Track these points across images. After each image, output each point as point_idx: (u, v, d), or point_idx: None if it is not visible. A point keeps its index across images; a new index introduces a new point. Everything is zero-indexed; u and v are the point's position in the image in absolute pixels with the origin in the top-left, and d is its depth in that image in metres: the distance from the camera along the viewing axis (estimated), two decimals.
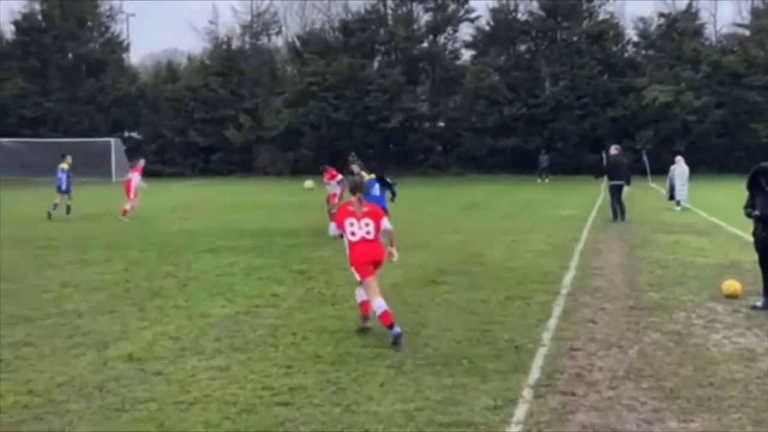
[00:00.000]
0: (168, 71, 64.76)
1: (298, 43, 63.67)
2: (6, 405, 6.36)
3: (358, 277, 8.93)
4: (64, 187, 24.70)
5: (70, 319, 9.55)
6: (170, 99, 61.09)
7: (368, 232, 8.89)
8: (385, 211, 12.87)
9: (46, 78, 63.01)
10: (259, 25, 64.72)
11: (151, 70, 68.80)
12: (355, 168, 16.44)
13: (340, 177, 20.29)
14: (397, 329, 8.36)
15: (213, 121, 59.81)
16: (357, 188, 9.18)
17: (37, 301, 10.63)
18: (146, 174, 26.75)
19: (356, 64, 58.76)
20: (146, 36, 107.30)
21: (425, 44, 62.08)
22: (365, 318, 9.01)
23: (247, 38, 64.86)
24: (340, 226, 8.99)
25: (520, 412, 6.24)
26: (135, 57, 73.13)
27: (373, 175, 16.40)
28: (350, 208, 9.00)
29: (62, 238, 18.02)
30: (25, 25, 63.61)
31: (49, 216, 23.61)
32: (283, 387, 6.80)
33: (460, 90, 59.82)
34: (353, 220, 8.90)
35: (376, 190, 15.80)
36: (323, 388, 6.78)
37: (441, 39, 62.40)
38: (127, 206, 23.36)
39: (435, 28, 61.80)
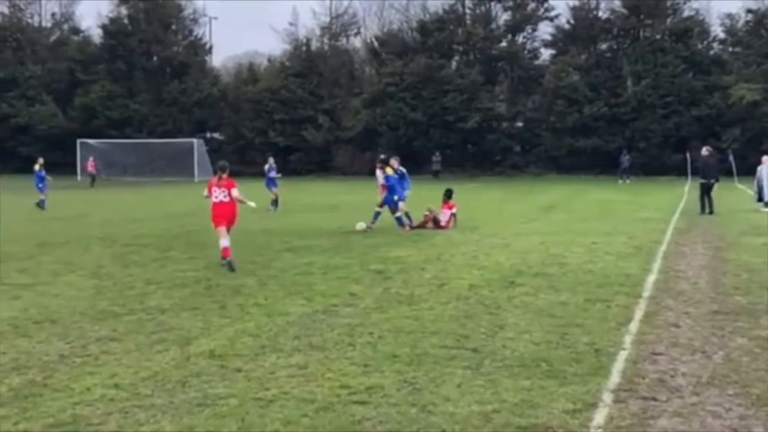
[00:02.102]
0: (249, 73, 65.91)
1: (376, 44, 63.99)
2: (94, 398, 6.55)
3: (213, 225, 13.86)
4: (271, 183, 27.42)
5: (154, 315, 9.78)
6: (251, 100, 62.16)
7: (225, 196, 13.78)
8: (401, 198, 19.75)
9: (131, 80, 64.87)
10: (338, 27, 65.28)
11: (232, 72, 70.13)
12: (395, 163, 20.72)
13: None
14: (230, 259, 13.32)
15: (292, 122, 60.59)
16: (221, 169, 14.05)
17: (122, 298, 10.93)
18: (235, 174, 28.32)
19: (434, 65, 58.72)
20: (228, 38, 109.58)
21: (504, 44, 61.66)
22: (224, 258, 13.46)
23: (326, 39, 65.48)
24: (209, 191, 13.93)
25: (600, 416, 6.12)
26: (217, 59, 74.62)
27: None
28: (215, 181, 13.96)
29: (146, 237, 18.49)
30: (112, 29, 65.65)
31: (273, 210, 25.81)
32: (361, 386, 6.83)
33: (539, 90, 59.28)
34: (216, 188, 13.84)
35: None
36: (400, 388, 6.79)
37: (520, 38, 61.92)
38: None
39: (514, 28, 61.31)
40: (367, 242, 17.35)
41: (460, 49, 62.75)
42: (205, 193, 14.21)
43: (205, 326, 9.16)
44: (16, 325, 9.23)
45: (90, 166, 50.21)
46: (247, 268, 13.49)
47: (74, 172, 55.98)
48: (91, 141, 58.18)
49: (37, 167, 30.17)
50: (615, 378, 7.06)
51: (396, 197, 19.87)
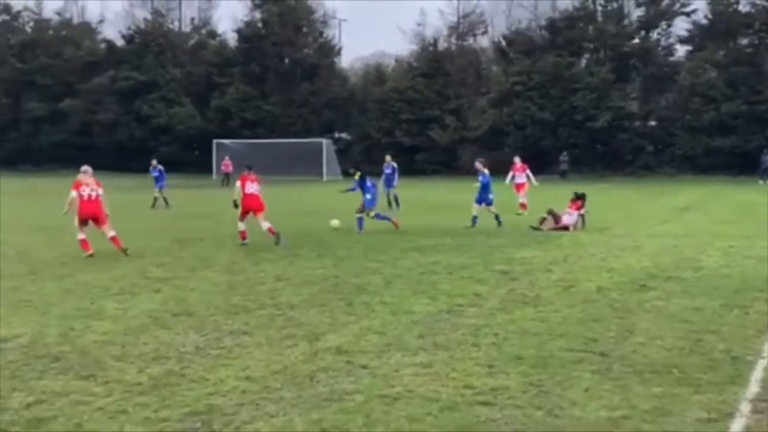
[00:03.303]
0: (376, 73, 66.66)
1: (503, 43, 63.52)
2: (227, 389, 6.79)
3: (243, 212, 17.07)
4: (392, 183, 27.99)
5: (284, 310, 10.03)
6: (378, 101, 62.81)
7: (256, 189, 17.20)
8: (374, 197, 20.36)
9: (264, 82, 66.73)
10: (465, 26, 65.14)
11: (360, 73, 71.04)
12: (479, 165, 21.59)
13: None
14: (279, 236, 16.72)
15: (418, 122, 60.86)
16: (249, 168, 17.74)
17: (253, 293, 11.27)
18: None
19: (563, 63, 57.72)
20: (357, 40, 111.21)
21: (636, 40, 59.96)
22: (244, 239, 16.89)
23: (453, 39, 65.44)
24: (242, 185, 17.16)
25: (737, 426, 5.87)
26: (346, 61, 75.77)
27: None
28: (246, 177, 17.33)
29: None
30: (246, 33, 67.80)
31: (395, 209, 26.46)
32: (485, 387, 6.80)
33: (674, 87, 57.24)
34: (249, 182, 17.21)
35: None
36: (525, 390, 6.71)
37: (653, 35, 60.01)
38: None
39: (647, 24, 59.46)
40: (491, 242, 17.24)
41: (591, 46, 61.38)
42: (238, 184, 17.39)
43: (332, 322, 9.34)
44: (156, 317, 9.68)
45: (225, 165, 52.03)
46: (372, 267, 13.66)
47: (209, 171, 58.16)
48: (226, 141, 60.24)
49: (150, 167, 30.89)
50: (753, 387, 6.75)
51: (369, 195, 19.89)
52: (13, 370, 7.35)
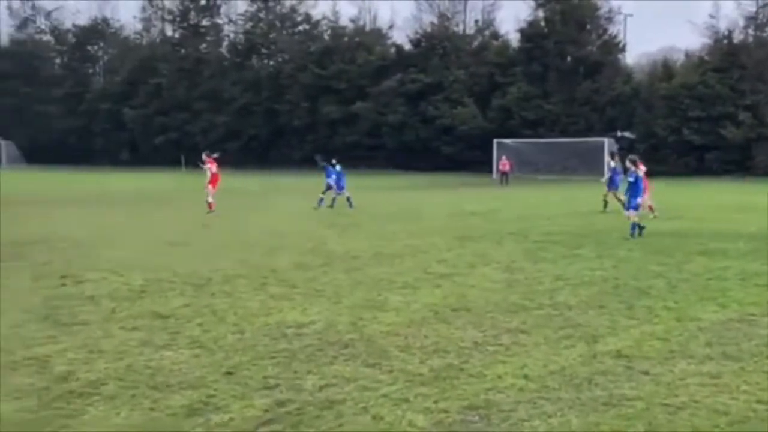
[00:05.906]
0: (663, 69, 63.89)
1: None
2: (504, 386, 6.88)
3: (213, 187, 24.46)
4: (616, 183, 26.33)
5: (561, 311, 9.95)
6: (665, 97, 60.13)
7: (217, 170, 24.69)
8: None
9: (546, 81, 66.42)
10: (765, 16, 60.39)
11: (645, 69, 68.46)
12: (629, 163, 18.70)
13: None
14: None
15: (709, 119, 57.44)
16: (206, 153, 25.43)
17: (531, 292, 11.27)
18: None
19: None
20: (643, 35, 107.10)
21: None
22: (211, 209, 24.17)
23: (750, 30, 60.98)
24: (212, 164, 24.72)
25: None
26: (630, 57, 73.34)
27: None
28: (213, 161, 24.95)
29: (556, 234, 18.83)
30: (529, 32, 67.96)
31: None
32: None
33: None
34: (214, 165, 24.73)
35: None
36: None
37: None
38: None
39: None
40: None
41: None
42: (209, 166, 24.61)
43: (611, 325, 9.12)
44: (437, 311, 10.01)
45: (503, 164, 52.52)
46: (655, 270, 13.13)
47: (489, 170, 58.94)
48: (506, 140, 60.73)
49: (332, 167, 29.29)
50: None
51: (330, 180, 26.38)
52: (308, 354, 7.99)
